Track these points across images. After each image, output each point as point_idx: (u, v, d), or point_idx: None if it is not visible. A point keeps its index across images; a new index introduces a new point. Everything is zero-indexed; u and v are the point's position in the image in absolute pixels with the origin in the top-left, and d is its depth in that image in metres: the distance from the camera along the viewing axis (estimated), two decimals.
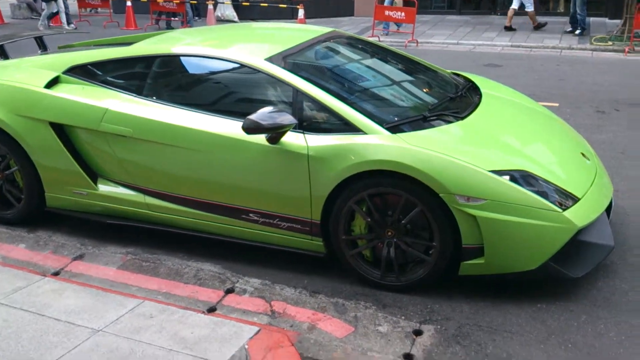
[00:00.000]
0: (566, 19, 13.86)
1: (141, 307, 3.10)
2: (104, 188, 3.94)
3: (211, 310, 3.24)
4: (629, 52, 11.22)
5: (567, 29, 13.21)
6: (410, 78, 4.29)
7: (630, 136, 6.16)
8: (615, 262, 3.60)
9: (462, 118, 3.62)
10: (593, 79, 9.03)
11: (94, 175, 3.96)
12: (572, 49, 11.73)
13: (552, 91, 8.14)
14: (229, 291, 3.44)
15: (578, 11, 12.77)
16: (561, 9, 15.68)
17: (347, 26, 14.66)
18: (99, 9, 17.19)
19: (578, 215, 3.15)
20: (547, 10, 15.78)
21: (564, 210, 3.11)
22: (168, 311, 3.08)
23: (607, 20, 14.42)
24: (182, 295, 3.39)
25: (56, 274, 3.61)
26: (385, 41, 12.29)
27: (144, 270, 3.66)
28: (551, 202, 3.11)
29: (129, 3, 14.94)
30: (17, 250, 3.92)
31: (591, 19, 13.79)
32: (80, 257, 3.82)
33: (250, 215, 3.58)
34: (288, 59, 3.79)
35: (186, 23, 14.77)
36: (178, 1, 14.61)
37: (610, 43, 11.85)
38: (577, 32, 12.79)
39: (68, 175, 3.94)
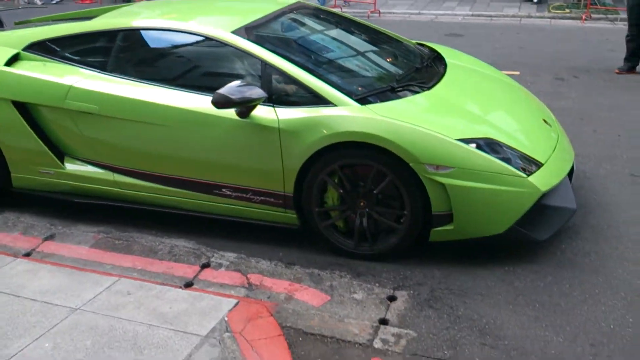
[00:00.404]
0: None
1: (118, 285, 3.11)
2: (71, 167, 3.89)
3: (188, 285, 3.27)
4: (585, 19, 11.46)
5: None
6: (376, 49, 4.32)
7: (589, 102, 6.36)
8: (577, 225, 3.75)
9: (429, 88, 3.68)
10: (552, 47, 9.22)
11: (61, 154, 3.90)
12: (531, 17, 11.93)
13: (512, 59, 8.30)
14: (205, 266, 3.46)
15: None
16: None
17: None
18: None
19: (542, 180, 3.27)
20: None
21: (528, 175, 3.22)
22: (145, 287, 3.10)
23: None
24: (157, 272, 3.40)
25: (28, 254, 3.57)
26: (348, 12, 12.25)
27: (117, 248, 3.65)
28: (516, 168, 3.21)
29: None
30: None
31: None
32: (51, 237, 3.78)
33: (223, 190, 3.59)
34: (254, 31, 3.77)
35: None
36: None
37: (567, 11, 12.09)
38: (536, 0, 12.99)
39: (34, 154, 3.87)
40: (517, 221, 3.24)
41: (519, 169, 3.21)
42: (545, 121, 3.88)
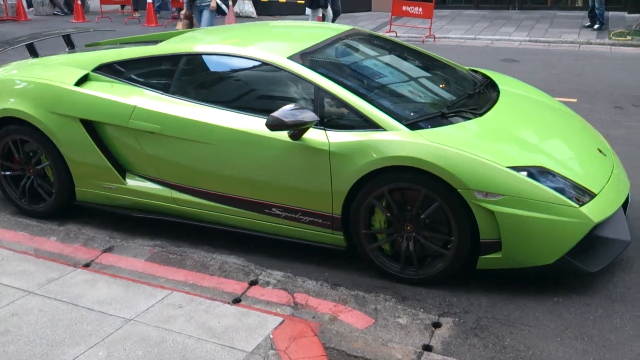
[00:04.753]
0: (584, 13, 13.76)
1: (170, 298, 3.23)
2: (132, 182, 4.08)
3: (236, 301, 3.36)
4: None
5: (585, 23, 13.13)
6: (428, 75, 4.37)
7: None
8: (631, 257, 3.65)
9: (480, 115, 3.69)
10: (611, 74, 9.00)
11: (123, 170, 4.10)
12: (591, 43, 11.66)
13: (569, 87, 8.14)
14: (253, 283, 3.55)
15: (597, 5, 12.68)
16: (579, 3, 15.56)
17: (365, 21, 14.69)
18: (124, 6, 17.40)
19: (594, 211, 3.21)
20: (564, 4, 15.67)
21: (580, 206, 3.18)
22: (195, 301, 3.21)
23: (626, 14, 14.29)
24: (208, 287, 3.51)
25: (87, 265, 3.76)
26: (403, 37, 12.34)
27: (171, 262, 3.79)
28: (568, 197, 3.17)
29: (149, 0, 15.11)
30: (48, 242, 4.08)
31: (610, 13, 13.68)
32: (109, 250, 3.97)
33: (273, 209, 3.69)
34: (309, 56, 3.89)
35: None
36: None
37: (629, 38, 11.77)
38: (596, 26, 12.70)
39: (97, 170, 4.08)
40: (568, 252, 3.19)
41: (571, 199, 3.17)
42: (600, 150, 3.81)
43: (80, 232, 4.23)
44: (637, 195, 4.43)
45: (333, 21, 11.75)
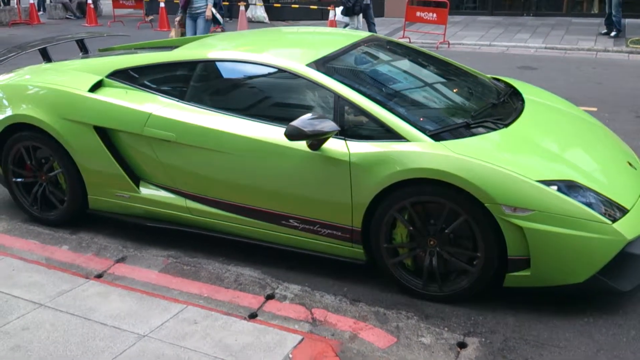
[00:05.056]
0: (600, 20, 13.60)
1: (185, 313, 3.12)
2: (145, 191, 3.98)
3: (252, 316, 3.25)
4: None
5: (602, 30, 12.96)
6: (450, 83, 4.25)
7: None
8: None
9: (506, 125, 3.57)
10: (631, 82, 8.83)
11: (136, 178, 4.01)
12: (608, 51, 11.50)
13: (589, 95, 7.99)
14: (270, 297, 3.44)
15: (613, 12, 12.51)
16: (595, 10, 15.39)
17: (378, 27, 14.54)
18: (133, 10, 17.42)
19: (627, 227, 3.08)
20: (580, 11, 15.50)
21: (612, 222, 3.04)
22: (211, 317, 3.10)
23: None
24: (223, 300, 3.40)
25: (99, 276, 3.66)
26: (417, 42, 12.22)
27: (185, 274, 3.69)
28: (599, 213, 3.04)
29: (162, 4, 15.09)
30: (60, 251, 3.99)
31: (627, 20, 13.49)
32: (122, 260, 3.87)
33: (291, 221, 3.58)
34: (328, 64, 3.78)
35: (218, 24, 14.85)
36: None
37: None
38: (613, 33, 12.53)
39: (111, 178, 3.99)
40: (599, 270, 3.05)
41: (603, 215, 3.04)
42: (630, 164, 3.67)
43: (92, 241, 4.14)
44: None
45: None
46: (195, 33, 9.37)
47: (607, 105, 7.42)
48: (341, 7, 11.38)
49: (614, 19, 12.52)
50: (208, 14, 9.40)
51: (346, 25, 11.52)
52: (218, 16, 9.91)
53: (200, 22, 9.44)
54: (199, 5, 9.43)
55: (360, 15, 11.44)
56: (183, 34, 9.54)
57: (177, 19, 9.69)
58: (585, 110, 4.79)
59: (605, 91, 8.28)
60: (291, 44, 4.56)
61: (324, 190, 3.43)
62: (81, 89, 4.03)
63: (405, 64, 4.37)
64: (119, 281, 3.59)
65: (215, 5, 9.84)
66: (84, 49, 5.28)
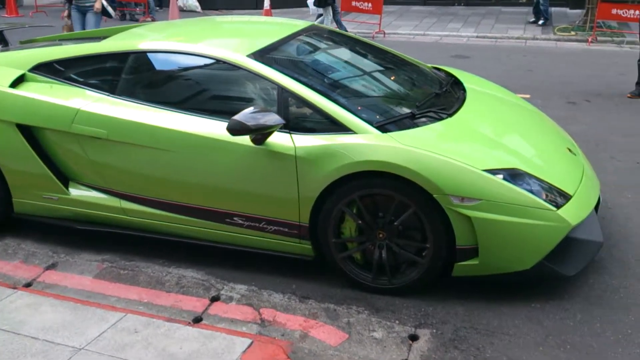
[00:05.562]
0: (529, 9, 14.05)
1: (124, 321, 2.93)
2: (76, 192, 3.73)
3: (197, 320, 3.09)
4: (591, 42, 11.42)
5: (530, 19, 13.39)
6: (394, 74, 4.20)
7: (603, 127, 6.24)
8: (603, 258, 3.60)
9: (450, 115, 3.55)
10: (560, 69, 9.14)
11: (65, 179, 3.74)
12: (537, 39, 11.88)
13: (521, 82, 8.20)
14: (215, 299, 3.29)
15: (541, 1, 12.95)
16: None
17: (313, 16, 14.47)
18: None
19: (571, 213, 3.12)
20: (509, 0, 15.94)
21: (557, 208, 3.08)
22: (153, 324, 2.92)
23: (568, 10, 14.68)
24: (165, 305, 3.23)
25: (28, 285, 3.40)
26: (353, 32, 12.20)
27: (123, 279, 3.48)
28: (545, 200, 3.07)
29: None
30: None
31: (553, 8, 13.99)
32: (53, 266, 3.61)
33: (235, 219, 3.43)
34: (269, 54, 3.65)
35: (148, 14, 14.33)
36: None
37: (573, 33, 12.05)
38: (540, 22, 12.97)
39: (37, 179, 3.71)
40: (545, 256, 3.08)
41: (548, 202, 3.06)
42: (569, 150, 3.74)
43: (19, 247, 3.85)
44: (602, 194, 4.41)
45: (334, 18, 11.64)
46: (84, 28, 8.44)
47: (539, 92, 7.63)
48: None
49: (541, 7, 12.96)
50: (97, 6, 8.41)
51: (320, 15, 11.47)
52: (109, 9, 8.98)
53: (90, 17, 8.46)
54: None
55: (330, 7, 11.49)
56: (71, 28, 8.64)
57: (64, 13, 8.75)
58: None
59: (537, 78, 8.52)
60: (228, 34, 4.39)
61: (269, 185, 3.30)
62: (1, 84, 3.72)
63: (347, 54, 4.29)
64: (50, 290, 3.34)
65: None
66: (3, 41, 4.90)
